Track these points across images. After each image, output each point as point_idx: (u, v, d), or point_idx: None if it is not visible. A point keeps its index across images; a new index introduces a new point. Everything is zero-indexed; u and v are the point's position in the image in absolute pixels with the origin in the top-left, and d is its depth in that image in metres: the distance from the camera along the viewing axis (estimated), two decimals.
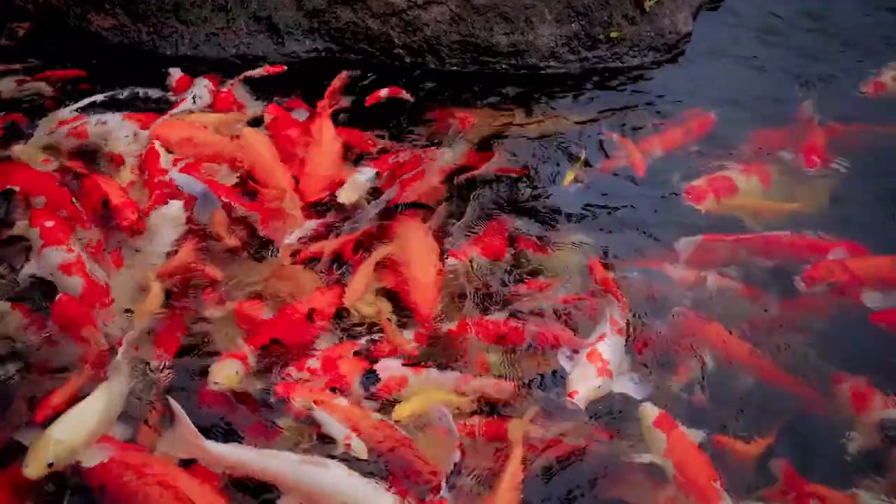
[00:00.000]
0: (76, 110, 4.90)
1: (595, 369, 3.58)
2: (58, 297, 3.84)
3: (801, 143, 4.93)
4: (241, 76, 5.34)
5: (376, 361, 3.73)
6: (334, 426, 3.43)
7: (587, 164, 4.90)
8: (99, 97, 5.04)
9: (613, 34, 5.75)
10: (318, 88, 5.28)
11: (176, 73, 5.32)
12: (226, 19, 5.66)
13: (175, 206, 4.33)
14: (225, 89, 5.21)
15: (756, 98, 5.52)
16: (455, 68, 5.67)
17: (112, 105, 5.05)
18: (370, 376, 3.63)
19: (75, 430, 3.30)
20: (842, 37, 6.04)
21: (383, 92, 5.29)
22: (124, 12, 5.64)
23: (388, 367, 3.67)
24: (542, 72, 5.69)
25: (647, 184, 4.80)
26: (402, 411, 3.51)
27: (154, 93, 5.23)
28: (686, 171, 4.83)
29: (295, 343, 3.81)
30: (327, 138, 4.76)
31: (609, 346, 3.71)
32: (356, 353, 3.77)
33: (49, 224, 4.13)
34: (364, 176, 4.67)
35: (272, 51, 5.67)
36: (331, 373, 3.62)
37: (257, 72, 5.40)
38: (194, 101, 5.05)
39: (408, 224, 4.38)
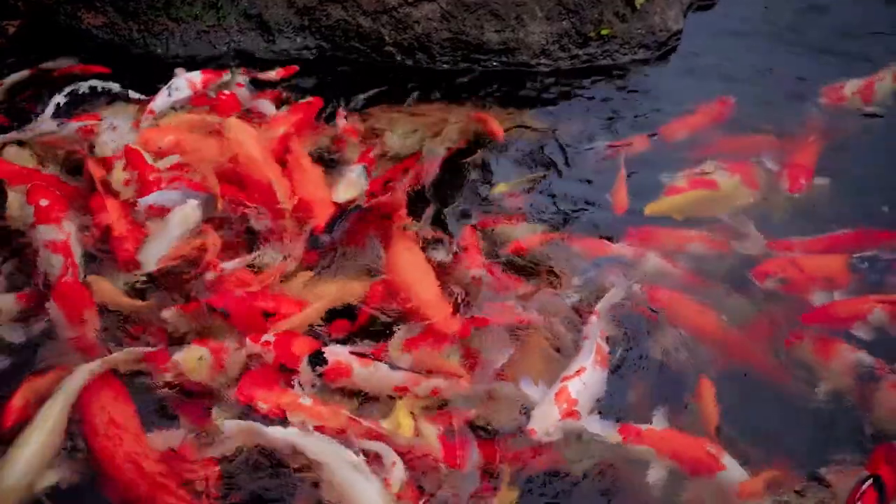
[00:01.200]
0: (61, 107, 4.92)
1: (559, 410, 3.49)
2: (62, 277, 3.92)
3: (788, 158, 4.88)
4: (252, 75, 5.35)
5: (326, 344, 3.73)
6: (384, 450, 3.38)
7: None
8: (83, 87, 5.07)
9: (604, 32, 5.76)
10: (308, 86, 5.32)
11: (181, 73, 5.25)
12: (216, 17, 5.66)
13: (190, 205, 4.30)
14: (228, 92, 5.15)
15: (746, 97, 5.50)
16: (446, 66, 5.67)
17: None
18: (317, 358, 3.62)
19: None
20: (836, 36, 6.03)
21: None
22: (115, 10, 5.63)
23: (337, 353, 3.66)
24: (533, 69, 5.70)
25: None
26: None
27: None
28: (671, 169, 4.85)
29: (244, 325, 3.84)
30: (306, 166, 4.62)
31: (582, 384, 3.59)
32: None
33: (44, 203, 4.19)
34: (355, 173, 4.66)
35: (263, 48, 5.68)
36: (282, 350, 3.63)
37: (269, 74, 5.39)
38: (170, 94, 5.02)
39: (398, 242, 4.20)
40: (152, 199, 4.36)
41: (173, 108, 4.99)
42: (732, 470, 3.39)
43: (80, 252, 4.13)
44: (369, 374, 3.64)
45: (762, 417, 3.71)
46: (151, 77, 5.27)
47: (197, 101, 5.04)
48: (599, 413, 3.61)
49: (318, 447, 3.32)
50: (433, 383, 3.65)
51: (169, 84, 5.07)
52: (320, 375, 3.61)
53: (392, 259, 4.12)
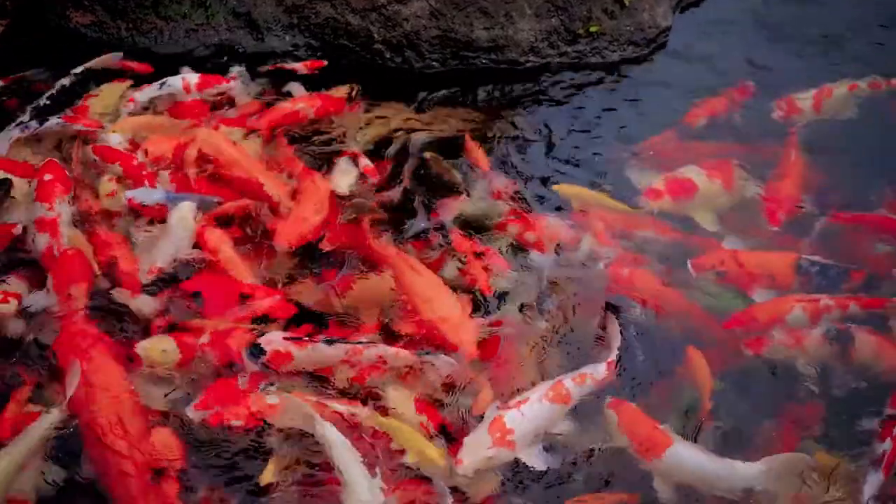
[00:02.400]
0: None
1: (491, 440, 3.40)
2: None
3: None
4: (279, 66, 5.38)
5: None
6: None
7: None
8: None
9: (593, 28, 5.76)
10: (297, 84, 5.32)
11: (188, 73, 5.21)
12: (205, 15, 5.65)
13: (185, 207, 4.27)
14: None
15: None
16: (435, 64, 5.67)
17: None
18: (255, 350, 3.61)
19: None
20: (826, 32, 6.04)
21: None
22: (103, 9, 5.61)
23: (273, 341, 3.65)
24: (522, 67, 5.70)
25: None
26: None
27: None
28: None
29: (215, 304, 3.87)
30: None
31: (522, 415, 3.49)
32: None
33: (48, 177, 4.25)
34: (347, 163, 4.71)
35: (252, 46, 5.66)
36: (219, 348, 3.62)
37: (297, 66, 5.38)
38: (160, 88, 5.02)
39: (399, 262, 4.05)
40: (140, 193, 4.35)
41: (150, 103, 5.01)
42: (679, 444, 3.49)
43: (68, 233, 4.13)
44: (309, 354, 3.64)
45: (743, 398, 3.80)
46: (141, 76, 5.28)
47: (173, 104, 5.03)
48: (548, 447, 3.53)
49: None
50: (375, 351, 3.65)
51: (164, 80, 5.07)
52: (264, 365, 3.61)
53: (403, 280, 3.98)
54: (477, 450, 3.37)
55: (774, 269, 4.23)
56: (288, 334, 3.71)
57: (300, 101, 5.06)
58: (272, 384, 3.55)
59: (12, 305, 3.83)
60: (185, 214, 4.21)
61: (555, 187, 4.70)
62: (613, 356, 3.78)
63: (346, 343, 3.67)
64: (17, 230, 4.16)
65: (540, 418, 3.53)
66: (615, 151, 4.99)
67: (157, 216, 4.30)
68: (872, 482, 3.40)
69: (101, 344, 3.64)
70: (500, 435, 3.41)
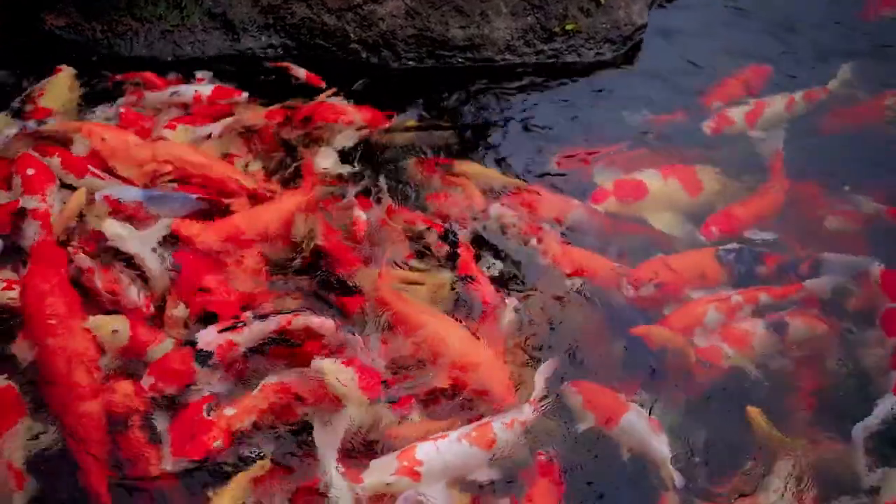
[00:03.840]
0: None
1: (396, 467, 3.36)
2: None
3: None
4: (281, 65, 5.37)
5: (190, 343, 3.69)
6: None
7: None
8: None
9: (569, 27, 5.78)
10: (272, 85, 5.31)
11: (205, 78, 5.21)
12: (180, 16, 5.64)
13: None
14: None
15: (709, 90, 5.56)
16: (411, 63, 5.67)
17: None
18: (201, 355, 3.62)
19: None
20: (798, 30, 6.09)
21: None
22: (77, 10, 5.60)
23: (210, 340, 3.65)
24: (498, 65, 5.71)
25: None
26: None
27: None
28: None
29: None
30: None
31: (437, 450, 3.39)
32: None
33: (30, 172, 4.25)
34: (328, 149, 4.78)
35: (227, 47, 5.65)
36: (167, 378, 3.59)
37: (298, 72, 5.36)
38: (170, 95, 5.01)
39: (409, 306, 3.91)
40: (117, 191, 4.35)
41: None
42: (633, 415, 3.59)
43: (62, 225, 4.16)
44: (248, 334, 3.69)
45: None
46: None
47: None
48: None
49: None
50: (303, 321, 3.72)
51: (177, 88, 5.05)
52: (215, 365, 3.63)
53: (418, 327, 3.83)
54: (380, 473, 3.33)
55: (702, 267, 4.28)
56: (218, 326, 3.72)
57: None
58: (211, 405, 3.55)
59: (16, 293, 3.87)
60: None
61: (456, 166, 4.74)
62: (538, 395, 3.63)
63: (276, 315, 3.74)
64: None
65: (454, 458, 3.40)
66: (585, 149, 5.00)
67: (134, 214, 4.29)
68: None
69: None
70: (407, 464, 3.35)
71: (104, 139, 4.52)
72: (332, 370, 3.50)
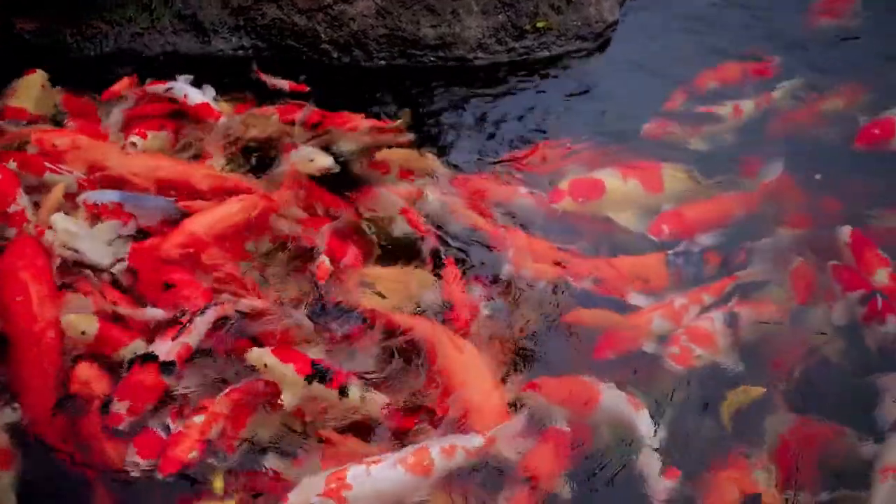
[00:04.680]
0: None
1: (323, 488, 3.25)
2: None
3: None
4: (262, 76, 5.31)
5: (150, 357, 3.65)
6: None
7: None
8: None
9: (540, 24, 5.79)
10: (244, 86, 5.28)
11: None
12: (150, 19, 5.62)
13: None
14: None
15: (682, 84, 5.56)
16: (383, 62, 5.67)
17: None
18: (166, 367, 3.61)
19: None
20: (772, 27, 6.07)
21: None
22: (47, 14, 5.55)
23: (168, 349, 3.65)
24: (470, 63, 5.71)
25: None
26: None
27: None
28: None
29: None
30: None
31: (368, 475, 3.27)
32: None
33: None
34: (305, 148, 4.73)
35: (198, 49, 5.64)
36: (140, 398, 3.56)
37: (281, 83, 5.28)
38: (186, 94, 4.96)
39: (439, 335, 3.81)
40: (96, 195, 4.32)
41: None
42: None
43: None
44: (195, 332, 3.72)
45: None
46: (86, 81, 5.24)
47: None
48: None
49: None
50: (241, 305, 3.81)
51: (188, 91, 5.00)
52: (178, 374, 3.64)
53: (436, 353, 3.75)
54: (306, 494, 3.24)
55: (648, 271, 4.25)
56: (170, 334, 3.72)
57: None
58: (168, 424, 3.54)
59: None
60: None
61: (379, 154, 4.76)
62: (495, 433, 3.47)
63: (213, 305, 3.79)
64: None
65: (387, 484, 3.27)
66: (555, 147, 5.00)
67: (115, 216, 4.27)
68: None
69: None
70: (335, 486, 3.23)
71: (55, 145, 4.50)
72: (257, 357, 3.56)
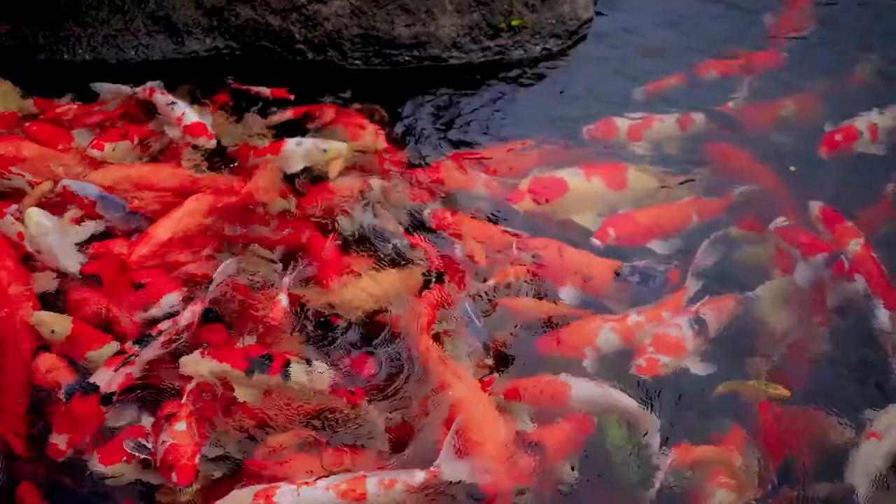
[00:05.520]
0: None
1: (247, 501, 3.26)
2: None
3: None
4: (243, 87, 5.26)
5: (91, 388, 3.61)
6: None
7: None
8: None
9: (514, 22, 5.79)
10: (218, 88, 5.27)
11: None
12: (123, 20, 5.59)
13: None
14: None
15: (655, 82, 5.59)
16: (358, 62, 5.67)
17: None
18: (106, 397, 3.56)
19: None
20: (746, 25, 6.08)
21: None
22: (19, 16, 5.52)
23: (109, 380, 3.59)
24: (445, 62, 5.72)
25: None
26: None
27: None
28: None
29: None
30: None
31: (297, 496, 3.25)
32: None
33: None
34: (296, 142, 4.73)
35: (172, 51, 5.62)
36: (80, 431, 3.52)
37: (262, 90, 5.22)
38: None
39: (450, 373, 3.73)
40: (77, 185, 4.35)
41: None
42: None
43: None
44: (140, 362, 3.67)
45: None
46: (59, 83, 5.22)
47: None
48: None
49: None
50: (181, 322, 3.80)
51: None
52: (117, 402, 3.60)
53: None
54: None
55: (594, 271, 4.20)
56: (112, 366, 3.64)
57: None
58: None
59: None
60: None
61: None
62: (436, 467, 3.36)
63: (156, 335, 3.73)
64: None
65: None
66: (525, 145, 4.99)
67: (87, 210, 4.31)
68: None
69: None
70: (262, 503, 3.25)
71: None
72: (191, 364, 3.61)
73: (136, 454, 3.41)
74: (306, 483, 3.27)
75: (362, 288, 4.07)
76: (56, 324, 3.77)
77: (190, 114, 4.84)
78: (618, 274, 4.17)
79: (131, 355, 3.65)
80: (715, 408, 3.76)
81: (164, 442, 3.41)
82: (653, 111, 5.19)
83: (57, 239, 4.08)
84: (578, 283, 4.14)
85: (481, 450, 3.40)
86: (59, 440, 3.48)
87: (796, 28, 5.95)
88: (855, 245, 4.31)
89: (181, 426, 3.46)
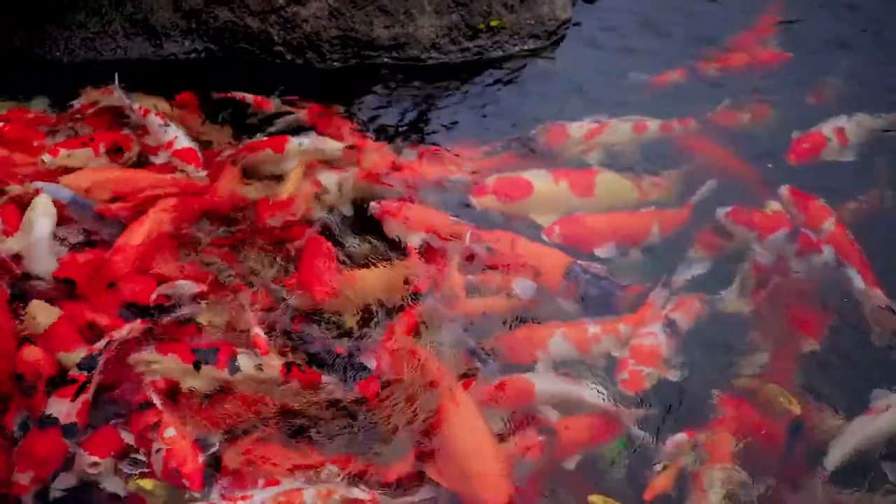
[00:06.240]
0: None
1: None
2: None
3: None
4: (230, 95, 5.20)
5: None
6: None
7: None
8: None
9: (493, 23, 5.81)
10: (197, 90, 5.26)
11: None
12: (101, 23, 5.58)
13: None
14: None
15: (634, 83, 5.60)
16: (337, 64, 5.67)
17: None
18: (68, 429, 3.46)
19: None
20: (723, 24, 6.11)
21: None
22: None
23: (68, 411, 3.47)
24: (424, 63, 5.72)
25: None
26: None
27: None
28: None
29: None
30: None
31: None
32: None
33: None
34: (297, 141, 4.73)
35: (150, 53, 5.61)
36: (45, 467, 3.41)
37: (246, 97, 5.16)
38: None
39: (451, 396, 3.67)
40: (52, 188, 4.31)
41: None
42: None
43: None
44: (93, 385, 3.59)
45: None
46: (35, 86, 5.20)
47: None
48: None
49: None
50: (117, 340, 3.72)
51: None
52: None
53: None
54: None
55: (544, 266, 4.19)
56: (68, 395, 3.53)
57: None
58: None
59: None
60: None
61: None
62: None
63: (97, 355, 3.62)
64: None
65: None
66: (504, 146, 5.01)
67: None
68: None
69: None
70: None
71: None
72: (143, 361, 3.63)
73: (133, 471, 3.39)
74: (243, 497, 3.27)
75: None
76: (42, 313, 3.75)
77: (182, 139, 4.73)
78: (568, 271, 4.14)
79: (85, 382, 3.54)
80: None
81: (159, 450, 3.38)
82: (631, 112, 5.20)
83: (33, 243, 4.05)
84: (531, 276, 4.14)
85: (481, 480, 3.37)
86: (23, 478, 3.36)
87: (770, 32, 5.99)
88: (829, 224, 4.37)
89: (170, 431, 3.44)
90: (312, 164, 4.69)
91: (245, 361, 3.65)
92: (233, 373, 3.62)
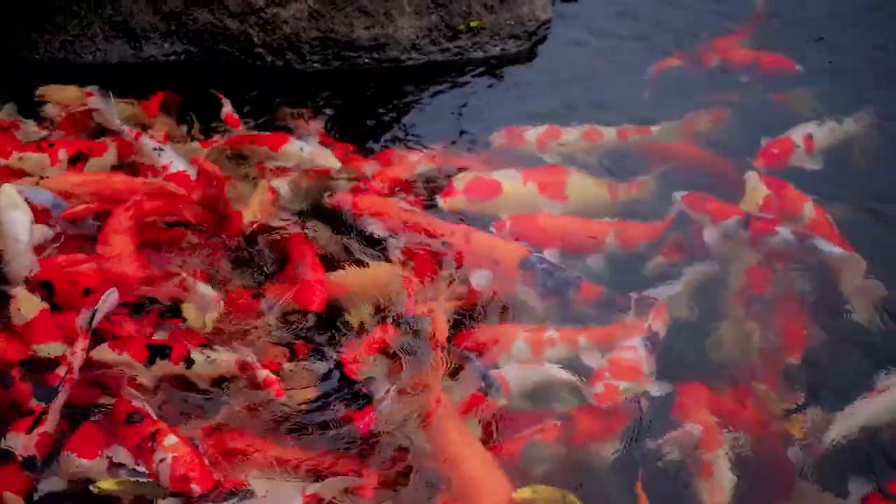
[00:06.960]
0: None
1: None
2: None
3: None
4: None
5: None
6: None
7: None
8: None
9: (473, 23, 5.82)
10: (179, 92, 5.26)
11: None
12: (80, 26, 5.57)
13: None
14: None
15: (615, 83, 5.63)
16: (317, 65, 5.68)
17: None
18: (27, 462, 3.36)
19: None
20: (700, 25, 6.13)
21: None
22: None
23: (26, 443, 3.37)
24: (405, 64, 5.74)
25: None
26: None
27: None
28: None
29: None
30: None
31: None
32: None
33: None
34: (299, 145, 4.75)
35: (130, 55, 5.61)
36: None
37: (226, 107, 5.11)
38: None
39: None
40: (30, 191, 4.27)
41: None
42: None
43: None
44: (53, 416, 3.46)
45: None
46: (14, 89, 5.19)
47: None
48: None
49: None
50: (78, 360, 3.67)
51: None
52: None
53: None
54: None
55: (501, 256, 4.20)
56: (24, 427, 3.44)
57: None
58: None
59: None
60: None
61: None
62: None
63: (57, 385, 3.54)
64: None
65: None
66: (482, 146, 5.05)
67: (38, 216, 4.21)
68: None
69: None
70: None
71: None
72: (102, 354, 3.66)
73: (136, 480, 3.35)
74: None
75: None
76: (25, 304, 3.76)
77: (178, 163, 4.62)
78: (524, 261, 4.14)
79: (41, 413, 3.45)
80: None
81: (163, 460, 3.34)
82: (608, 113, 5.23)
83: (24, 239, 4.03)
84: (488, 267, 4.15)
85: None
86: None
87: (748, 34, 6.00)
88: (808, 209, 4.39)
89: (171, 439, 3.40)
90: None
91: (198, 357, 3.66)
92: (187, 367, 3.64)
